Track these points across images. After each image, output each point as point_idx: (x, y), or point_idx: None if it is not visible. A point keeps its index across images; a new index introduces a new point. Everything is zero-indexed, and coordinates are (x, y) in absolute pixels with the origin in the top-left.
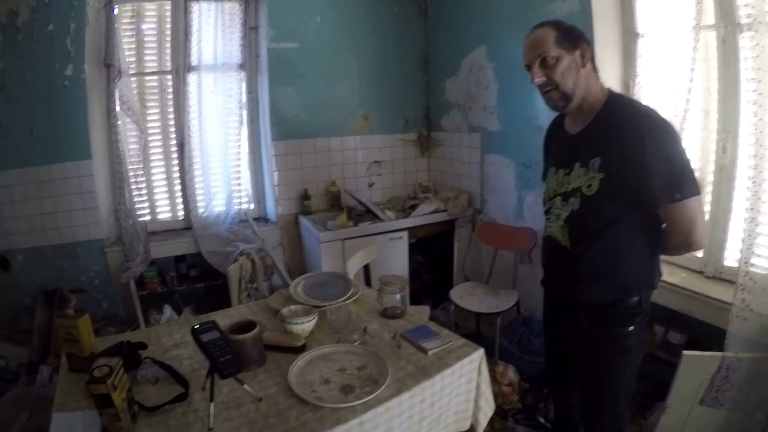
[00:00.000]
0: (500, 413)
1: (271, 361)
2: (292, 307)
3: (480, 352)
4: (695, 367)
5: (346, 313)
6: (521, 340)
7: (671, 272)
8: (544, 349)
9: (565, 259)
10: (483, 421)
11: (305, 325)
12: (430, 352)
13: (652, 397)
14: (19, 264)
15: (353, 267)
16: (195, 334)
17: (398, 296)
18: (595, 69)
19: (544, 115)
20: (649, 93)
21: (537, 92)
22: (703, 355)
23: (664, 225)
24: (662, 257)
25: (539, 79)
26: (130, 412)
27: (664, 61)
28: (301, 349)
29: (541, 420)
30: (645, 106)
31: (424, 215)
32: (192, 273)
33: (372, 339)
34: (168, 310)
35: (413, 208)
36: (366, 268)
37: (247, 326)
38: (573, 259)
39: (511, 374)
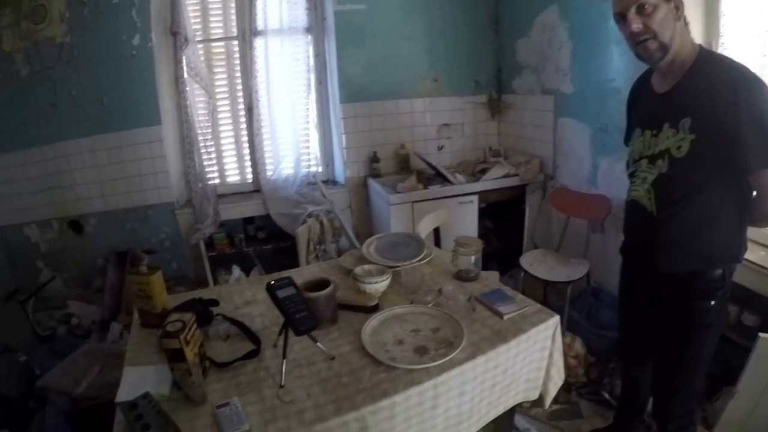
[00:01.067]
0: (564, 386)
1: (343, 320)
2: (366, 266)
3: (555, 319)
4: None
5: (419, 274)
6: (590, 311)
7: (750, 249)
8: (618, 321)
9: (649, 225)
10: (552, 391)
11: (379, 285)
12: (505, 317)
13: (720, 380)
14: (92, 227)
15: (424, 229)
16: (270, 289)
17: (473, 258)
18: (686, 24)
19: (621, 77)
20: (733, 55)
21: (613, 52)
22: None
23: (754, 193)
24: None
25: (636, 25)
26: (201, 368)
27: (749, 20)
28: (374, 309)
29: (606, 396)
30: (738, 62)
31: (494, 179)
32: (260, 235)
33: (446, 301)
34: (236, 271)
35: (483, 172)
36: (436, 232)
37: (320, 284)
38: (658, 225)
39: (578, 346)
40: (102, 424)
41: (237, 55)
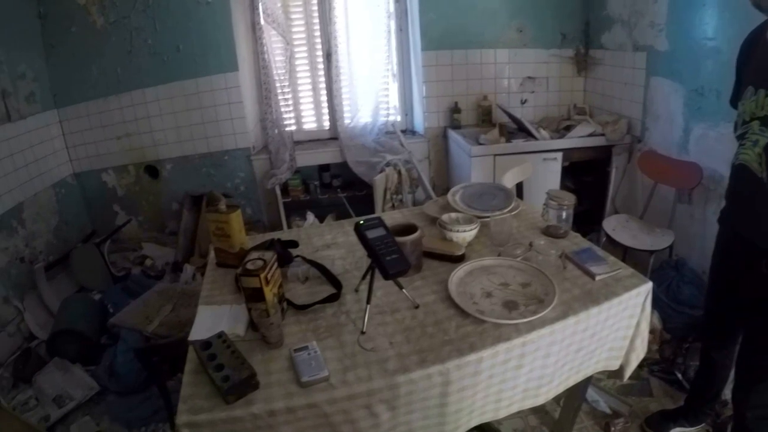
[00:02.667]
0: None
1: (427, 268)
2: (453, 214)
3: (648, 286)
4: None
5: (509, 226)
6: (670, 285)
7: None
8: (707, 296)
9: (757, 193)
10: (633, 363)
11: (466, 234)
12: (597, 278)
13: None
14: (167, 172)
15: (507, 183)
16: (359, 229)
17: (564, 214)
18: None
19: (722, 36)
20: None
21: (715, 8)
22: None
23: None
24: None
25: None
26: (280, 309)
27: None
28: (460, 259)
29: (678, 376)
30: None
31: (580, 137)
32: (335, 182)
33: (536, 256)
34: (311, 217)
35: (568, 129)
36: (518, 188)
37: (406, 229)
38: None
39: (655, 321)
40: (172, 362)
41: (315, 1)
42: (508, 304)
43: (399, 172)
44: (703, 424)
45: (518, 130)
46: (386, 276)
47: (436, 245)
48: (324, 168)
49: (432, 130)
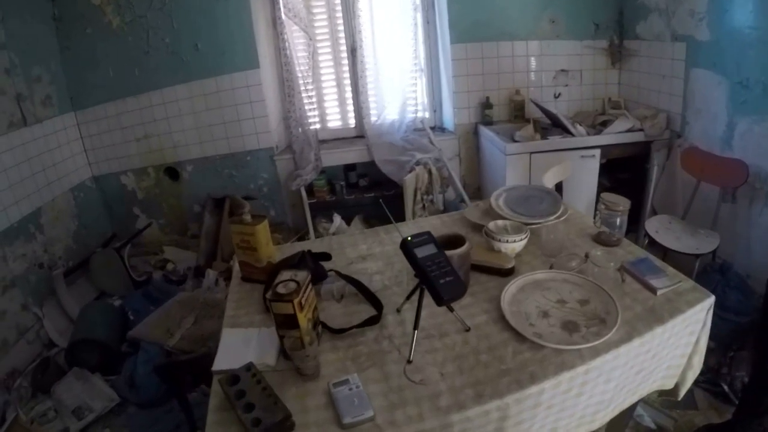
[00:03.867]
0: None
1: (475, 283)
2: (500, 222)
3: (711, 300)
4: None
5: (561, 234)
6: (715, 290)
7: None
8: (765, 303)
9: None
10: (689, 381)
11: (516, 244)
12: (659, 292)
13: None
14: (188, 174)
15: (548, 183)
16: (407, 247)
17: (618, 220)
18: None
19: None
20: None
21: None
22: None
23: None
24: None
25: None
26: (314, 334)
27: None
28: (510, 272)
29: (725, 387)
30: None
31: (618, 133)
32: (362, 182)
33: (592, 268)
34: (338, 219)
35: (604, 124)
36: (557, 189)
37: (452, 241)
38: None
39: None
40: (195, 374)
41: None
42: (567, 326)
43: (429, 171)
44: None
45: (552, 125)
46: (440, 303)
47: (484, 257)
48: (350, 167)
49: (462, 127)
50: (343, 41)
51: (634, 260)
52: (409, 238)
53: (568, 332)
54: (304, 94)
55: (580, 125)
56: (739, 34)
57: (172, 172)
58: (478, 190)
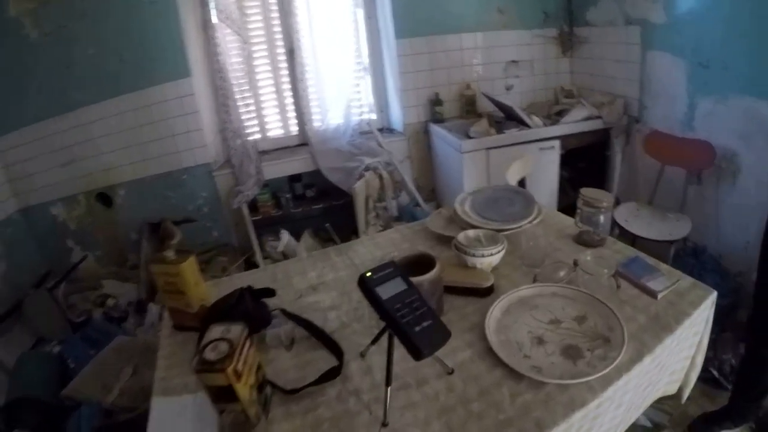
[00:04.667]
0: None
1: (450, 310)
2: (470, 232)
3: (713, 297)
4: None
5: (543, 240)
6: (692, 275)
7: None
8: (758, 290)
9: None
10: (693, 381)
11: (493, 257)
12: (659, 296)
13: None
14: (122, 198)
15: (512, 180)
16: (366, 286)
17: (602, 217)
18: None
19: (732, 3)
20: None
21: None
22: None
23: None
24: None
25: None
26: (261, 401)
27: None
28: (489, 291)
29: (714, 373)
30: None
31: (576, 122)
32: (308, 193)
33: (583, 276)
34: (285, 236)
35: (560, 114)
36: (521, 185)
37: (418, 263)
38: None
39: None
40: None
41: None
42: (568, 352)
43: (380, 176)
44: (749, 423)
45: (506, 118)
46: (418, 357)
47: (457, 277)
48: (295, 178)
49: (412, 126)
50: (280, 43)
51: (626, 261)
52: (369, 274)
53: (571, 360)
54: (240, 103)
55: (536, 116)
56: (697, 14)
57: (105, 198)
58: (432, 192)
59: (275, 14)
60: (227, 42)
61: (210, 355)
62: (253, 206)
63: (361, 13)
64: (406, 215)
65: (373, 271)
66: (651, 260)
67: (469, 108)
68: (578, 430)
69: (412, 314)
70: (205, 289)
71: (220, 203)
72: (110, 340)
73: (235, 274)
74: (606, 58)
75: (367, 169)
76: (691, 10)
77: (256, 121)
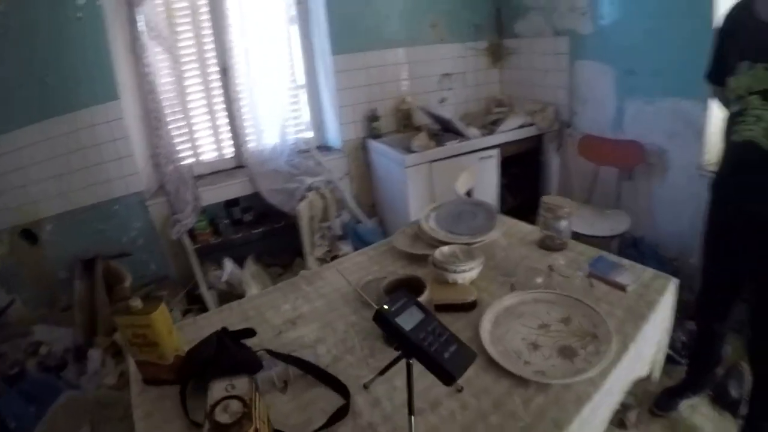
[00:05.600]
0: None
1: None
2: (445, 249)
3: (675, 283)
4: None
5: (515, 248)
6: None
7: None
8: (705, 272)
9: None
10: (661, 362)
11: (473, 272)
12: (628, 289)
13: None
14: (48, 234)
15: (461, 190)
16: (385, 320)
17: (563, 222)
18: None
19: (652, 11)
20: None
21: None
22: None
23: None
24: None
25: None
26: None
27: None
28: (473, 306)
29: (669, 351)
30: None
31: (512, 130)
32: (247, 218)
33: (557, 279)
34: (229, 264)
35: (495, 124)
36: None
37: (407, 285)
38: None
39: None
40: None
41: (204, 10)
42: (564, 352)
43: (323, 196)
44: (707, 390)
45: (442, 131)
46: (451, 382)
47: (442, 295)
48: (231, 203)
49: (350, 143)
50: (212, 61)
51: (593, 261)
52: (386, 307)
53: (569, 359)
54: (172, 125)
55: (473, 127)
56: (622, 25)
57: (29, 234)
58: (372, 208)
59: (207, 31)
60: (157, 61)
61: (223, 417)
62: (191, 234)
63: (295, 30)
64: (350, 233)
65: (389, 304)
66: (614, 258)
67: (405, 122)
68: (586, 423)
69: (438, 341)
70: (178, 340)
71: (156, 234)
72: (52, 395)
73: (198, 316)
74: (535, 68)
75: (309, 189)
76: (617, 21)
77: (188, 145)
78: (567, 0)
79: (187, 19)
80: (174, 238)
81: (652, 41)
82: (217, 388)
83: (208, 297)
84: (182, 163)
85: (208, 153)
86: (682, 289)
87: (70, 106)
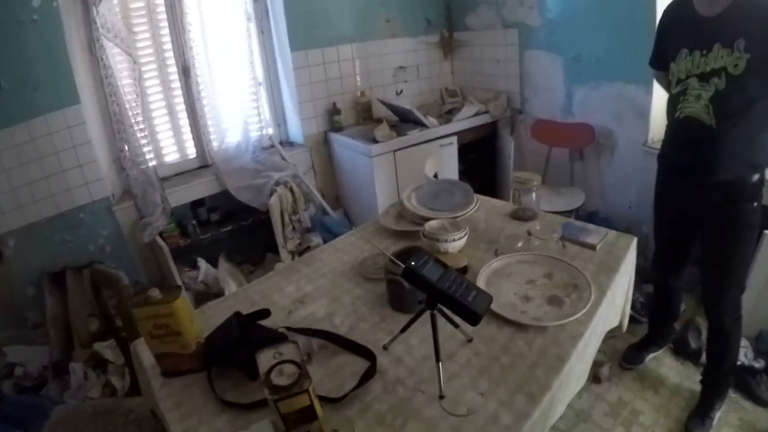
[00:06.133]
0: None
1: None
2: (433, 222)
3: (635, 240)
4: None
5: (494, 220)
6: None
7: None
8: (657, 234)
9: (709, 139)
10: (627, 313)
11: (461, 241)
12: (598, 247)
13: None
14: (12, 250)
15: (430, 174)
16: (415, 274)
17: (533, 195)
18: None
19: (594, 3)
20: None
21: None
22: None
23: None
24: None
25: None
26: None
27: None
28: (465, 270)
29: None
30: None
31: (468, 118)
32: (213, 217)
33: (535, 242)
34: (203, 263)
35: (450, 113)
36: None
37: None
38: (719, 138)
39: None
40: None
41: (161, 8)
42: (552, 301)
43: (291, 190)
44: (669, 343)
45: (400, 122)
46: (477, 321)
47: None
48: (197, 203)
49: (312, 137)
50: (170, 61)
51: (563, 226)
52: (413, 263)
53: (557, 306)
54: (136, 128)
55: (431, 117)
56: (568, 16)
57: None
58: (337, 200)
59: (164, 31)
60: (116, 62)
61: (281, 380)
62: (160, 237)
63: (253, 28)
64: (317, 225)
65: (414, 261)
66: (579, 223)
67: (365, 115)
68: (581, 356)
69: (460, 288)
70: (197, 326)
71: (124, 239)
72: (38, 414)
73: (204, 305)
74: (486, 59)
75: (277, 184)
76: (563, 13)
77: (150, 147)
78: None
79: (143, 20)
80: (146, 241)
81: (596, 31)
82: (265, 357)
83: (186, 298)
84: (148, 165)
85: (170, 155)
86: (636, 255)
87: (29, 113)
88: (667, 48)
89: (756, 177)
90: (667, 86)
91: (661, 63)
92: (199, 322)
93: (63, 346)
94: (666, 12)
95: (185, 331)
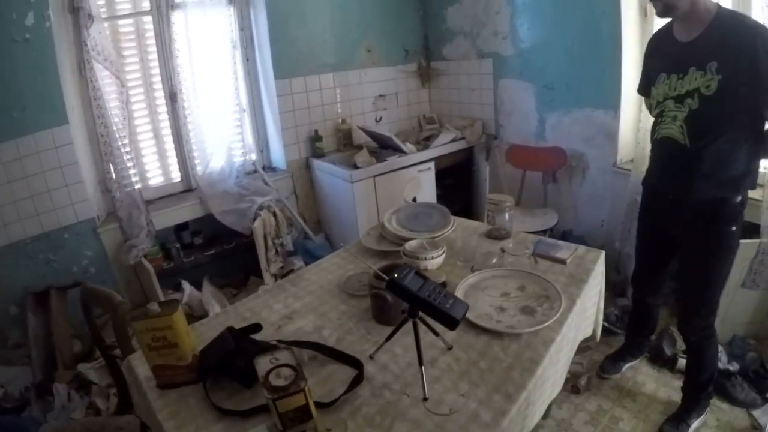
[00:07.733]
0: None
1: None
2: (413, 242)
3: (603, 254)
4: (738, 255)
5: (471, 239)
6: None
7: None
8: (637, 249)
9: (684, 158)
10: (600, 323)
11: (439, 259)
12: (568, 261)
13: None
14: None
15: (409, 198)
16: (398, 285)
17: (507, 215)
18: None
19: (564, 34)
20: None
21: (557, 14)
22: (745, 243)
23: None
24: None
25: None
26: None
27: None
28: (444, 286)
29: (606, 324)
30: (752, 18)
31: (445, 144)
32: (197, 241)
33: (508, 259)
34: (187, 286)
35: (428, 139)
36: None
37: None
38: (693, 157)
39: None
40: None
41: (149, 34)
42: (525, 311)
43: (274, 214)
44: (645, 353)
45: (380, 148)
46: (455, 326)
47: None
48: (181, 227)
49: (294, 163)
50: (158, 86)
51: (535, 243)
52: (396, 275)
53: (530, 315)
54: (122, 150)
55: (409, 143)
56: (540, 47)
57: None
58: (318, 224)
59: (153, 56)
60: (105, 85)
61: (278, 382)
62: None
63: (238, 56)
64: (300, 248)
65: (397, 273)
66: (551, 240)
67: (346, 141)
68: (553, 360)
69: (439, 297)
70: (193, 338)
71: (108, 261)
72: None
73: (197, 322)
74: (462, 87)
75: (260, 208)
76: (535, 44)
77: (135, 170)
78: (490, 26)
79: (132, 44)
80: (131, 263)
81: (566, 60)
82: (263, 362)
83: (182, 312)
84: (134, 188)
85: (155, 178)
86: (609, 270)
87: (17, 131)
88: (651, 74)
89: (737, 199)
90: (650, 110)
91: (647, 90)
92: (193, 338)
93: (45, 366)
94: (650, 42)
95: (182, 342)
